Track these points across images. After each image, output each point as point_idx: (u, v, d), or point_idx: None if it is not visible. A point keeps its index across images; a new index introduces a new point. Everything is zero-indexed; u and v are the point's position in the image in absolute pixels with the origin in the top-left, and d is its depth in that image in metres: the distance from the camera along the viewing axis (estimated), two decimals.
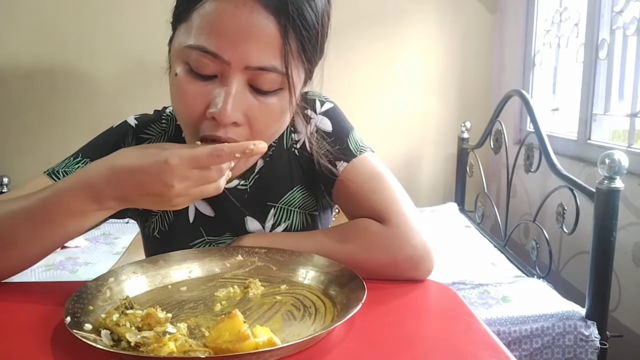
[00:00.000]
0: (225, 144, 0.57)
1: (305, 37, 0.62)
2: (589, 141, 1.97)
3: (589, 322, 1.35)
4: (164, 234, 0.80)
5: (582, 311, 1.38)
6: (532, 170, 1.93)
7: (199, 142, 0.63)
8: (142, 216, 0.82)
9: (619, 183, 1.33)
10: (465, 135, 2.62)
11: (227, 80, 0.61)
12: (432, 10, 2.69)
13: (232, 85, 0.60)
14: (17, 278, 0.65)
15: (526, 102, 1.93)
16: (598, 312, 1.36)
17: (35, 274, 1.74)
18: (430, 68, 2.74)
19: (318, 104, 0.79)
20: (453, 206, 2.56)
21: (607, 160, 1.32)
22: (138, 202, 0.59)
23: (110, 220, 0.72)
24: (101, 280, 0.61)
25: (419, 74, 2.74)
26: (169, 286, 0.65)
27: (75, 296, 0.56)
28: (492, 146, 2.30)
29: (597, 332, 1.35)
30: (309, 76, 0.69)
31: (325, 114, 0.79)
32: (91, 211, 0.60)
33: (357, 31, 2.60)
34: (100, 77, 2.56)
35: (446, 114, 2.78)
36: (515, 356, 0.50)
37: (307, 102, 0.79)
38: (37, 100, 2.54)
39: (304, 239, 0.73)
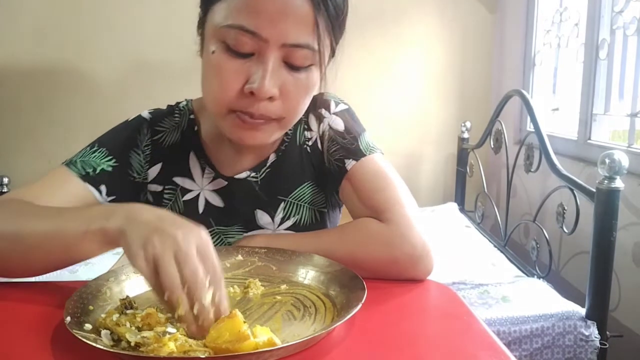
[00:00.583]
0: (224, 296, 0.51)
1: (333, 15, 0.66)
2: (589, 141, 1.97)
3: (589, 322, 1.35)
4: None
5: (582, 311, 1.38)
6: (532, 170, 1.93)
7: None
8: (153, 205, 0.83)
9: (619, 183, 1.33)
10: (465, 135, 2.62)
11: (265, 57, 0.64)
12: (432, 10, 2.68)
13: (269, 62, 0.64)
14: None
15: (526, 102, 1.93)
16: (598, 312, 1.35)
17: None
18: (430, 68, 2.74)
19: (333, 104, 0.83)
20: (453, 206, 2.56)
21: (607, 160, 1.32)
22: (138, 222, 0.53)
23: None
24: (101, 280, 0.61)
25: (419, 74, 2.73)
26: None
27: (75, 296, 0.56)
28: (492, 146, 2.30)
29: (597, 332, 1.35)
30: (332, 54, 0.72)
31: (339, 114, 0.82)
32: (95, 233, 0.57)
33: (357, 31, 2.59)
34: (100, 77, 2.56)
35: (446, 114, 2.78)
36: (515, 356, 0.50)
37: (322, 102, 0.82)
38: (37, 100, 2.54)
39: (304, 237, 0.74)
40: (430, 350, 0.52)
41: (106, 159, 0.77)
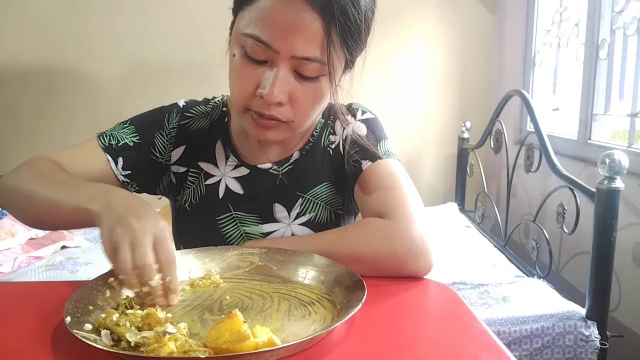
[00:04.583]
0: (175, 278, 0.59)
1: (347, 32, 0.69)
2: (589, 141, 1.97)
3: (589, 322, 1.35)
4: (195, 207, 0.86)
5: (582, 311, 1.38)
6: (532, 170, 1.93)
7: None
8: (174, 190, 0.88)
9: (619, 183, 1.33)
10: (466, 135, 2.62)
11: (276, 66, 0.69)
12: (432, 10, 2.68)
13: (280, 71, 0.69)
14: (17, 278, 0.65)
15: (526, 102, 1.93)
16: (598, 312, 1.35)
17: (35, 274, 1.73)
18: (430, 68, 2.74)
19: (360, 112, 0.89)
20: (453, 206, 2.56)
21: (607, 160, 1.32)
22: (111, 211, 0.60)
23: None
24: (101, 280, 0.61)
25: (419, 74, 2.73)
26: None
27: (75, 296, 0.56)
28: (492, 146, 2.30)
29: (597, 332, 1.35)
30: (349, 65, 0.77)
31: (364, 121, 0.87)
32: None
33: None
34: (100, 77, 2.56)
35: (446, 114, 2.78)
36: (515, 356, 0.50)
37: (350, 110, 0.88)
38: (37, 100, 2.54)
39: (305, 237, 0.76)
40: (430, 350, 0.52)
41: (131, 135, 0.83)
